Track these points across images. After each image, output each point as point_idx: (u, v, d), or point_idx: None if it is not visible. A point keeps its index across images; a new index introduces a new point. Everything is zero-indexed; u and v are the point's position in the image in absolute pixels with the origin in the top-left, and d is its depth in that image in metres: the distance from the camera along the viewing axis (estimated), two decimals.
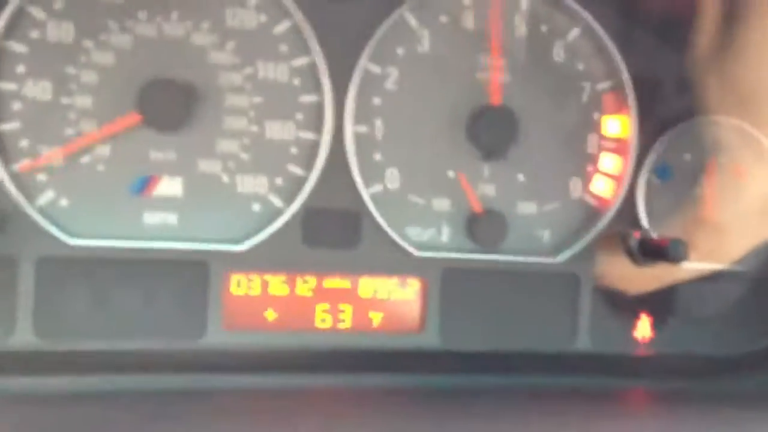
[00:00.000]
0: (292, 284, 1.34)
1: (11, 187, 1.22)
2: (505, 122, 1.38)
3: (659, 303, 1.47)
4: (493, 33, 1.38)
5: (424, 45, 1.38)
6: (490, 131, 1.38)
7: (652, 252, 1.40)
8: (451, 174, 1.40)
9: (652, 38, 1.46)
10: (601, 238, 1.45)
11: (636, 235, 1.43)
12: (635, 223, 1.46)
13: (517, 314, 1.43)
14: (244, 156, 1.32)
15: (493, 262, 1.41)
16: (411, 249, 1.37)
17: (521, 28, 1.42)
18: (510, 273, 1.42)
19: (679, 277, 1.44)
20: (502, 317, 1.42)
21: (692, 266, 1.45)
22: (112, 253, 1.26)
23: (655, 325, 1.48)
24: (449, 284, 1.39)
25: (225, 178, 1.32)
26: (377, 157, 1.37)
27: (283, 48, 1.32)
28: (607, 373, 1.43)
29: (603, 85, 1.45)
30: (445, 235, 1.41)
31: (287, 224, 1.32)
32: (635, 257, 1.44)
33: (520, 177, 1.42)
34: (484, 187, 1.41)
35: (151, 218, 1.29)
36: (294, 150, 1.33)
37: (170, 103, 1.24)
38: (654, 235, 1.43)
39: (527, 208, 1.43)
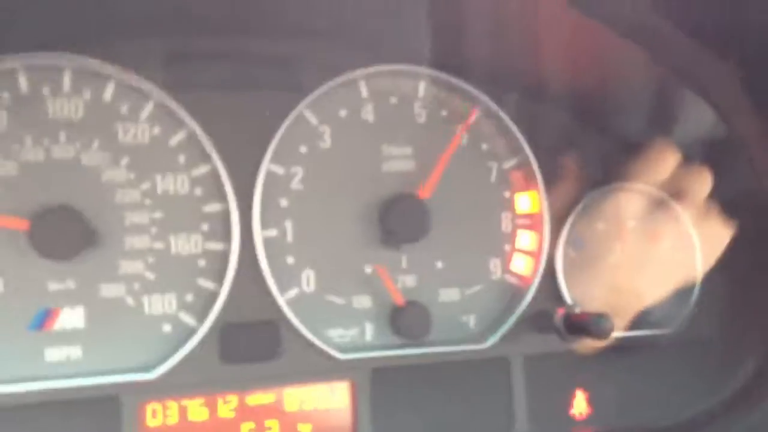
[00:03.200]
0: (212, 407, 1.31)
1: None
2: (416, 210, 1.41)
3: (592, 377, 1.50)
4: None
5: (326, 141, 1.40)
6: (403, 221, 1.40)
7: (578, 328, 1.44)
8: (368, 269, 1.41)
9: (553, 112, 1.53)
10: (527, 318, 1.48)
11: (560, 311, 1.47)
12: (558, 298, 1.50)
13: (452, 406, 1.43)
14: (150, 275, 1.30)
15: (422, 356, 1.41)
16: (335, 352, 1.37)
17: (422, 116, 1.46)
18: (440, 365, 1.43)
19: (607, 349, 1.48)
20: (438, 412, 1.42)
21: (620, 335, 1.49)
22: (12, 399, 1.21)
23: (591, 401, 1.51)
24: (379, 385, 1.39)
25: (130, 301, 1.29)
26: (290, 260, 1.37)
27: (181, 158, 1.32)
28: None
29: (509, 163, 1.51)
30: (369, 333, 1.42)
31: (202, 342, 1.30)
32: (562, 334, 1.48)
33: (439, 264, 1.45)
34: (404, 279, 1.43)
35: (54, 354, 1.25)
36: (202, 263, 1.33)
37: (63, 232, 1.22)
38: (577, 310, 1.47)
39: (449, 295, 1.46)
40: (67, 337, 1.26)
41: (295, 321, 1.35)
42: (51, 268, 1.24)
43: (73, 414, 1.24)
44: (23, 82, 1.26)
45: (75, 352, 1.26)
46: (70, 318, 1.26)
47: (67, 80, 1.27)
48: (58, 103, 1.27)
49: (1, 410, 1.21)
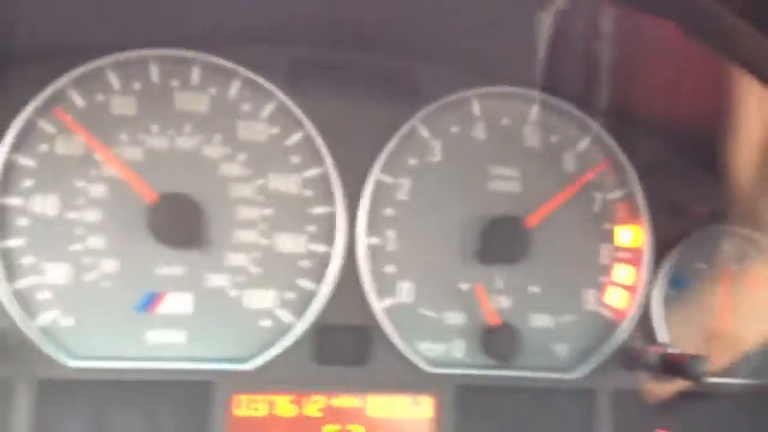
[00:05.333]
0: (299, 404, 1.36)
1: (12, 306, 1.24)
2: (517, 232, 1.44)
3: (679, 420, 1.50)
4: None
5: (436, 155, 1.45)
6: (503, 242, 1.44)
7: (671, 368, 1.44)
8: (464, 286, 1.45)
9: (664, 146, 1.54)
10: (618, 352, 1.49)
11: (654, 349, 1.48)
12: (652, 335, 1.51)
13: None
14: (254, 270, 1.36)
15: (508, 378, 1.44)
16: (423, 365, 1.41)
17: (532, 139, 1.49)
18: (525, 389, 1.45)
19: (700, 393, 1.48)
20: None
21: (713, 381, 1.49)
22: (113, 375, 1.28)
23: None
24: (463, 401, 1.42)
25: (233, 294, 1.35)
26: (390, 269, 1.41)
27: (295, 159, 1.38)
28: None
29: (614, 195, 1.52)
30: (458, 350, 1.45)
31: (296, 341, 1.36)
32: (653, 373, 1.48)
33: (534, 289, 1.48)
34: (498, 300, 1.46)
35: (156, 337, 1.32)
36: (305, 263, 1.38)
37: (180, 219, 1.29)
38: (672, 350, 1.47)
39: (541, 320, 1.48)
40: (170, 321, 1.33)
41: (389, 330, 1.39)
42: (162, 253, 1.31)
43: (167, 396, 1.30)
44: (154, 73, 1.33)
45: (176, 336, 1.33)
46: (175, 304, 1.33)
47: (195, 74, 1.35)
48: (185, 96, 1.34)
49: (101, 386, 1.28)
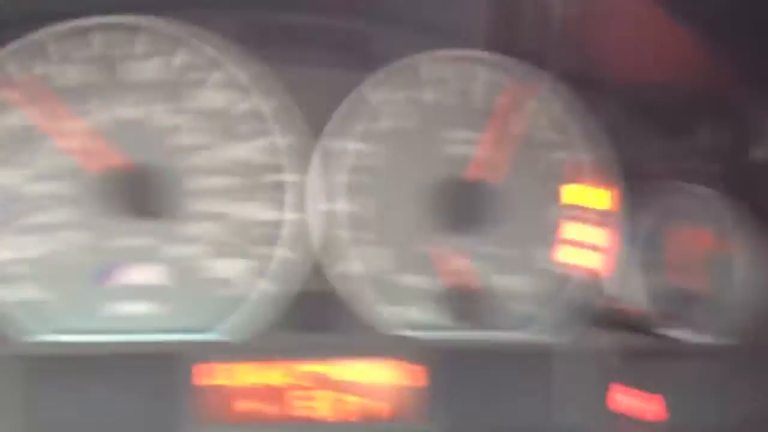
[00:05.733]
0: (265, 372, 1.36)
1: None
2: (482, 195, 1.46)
3: (640, 376, 1.51)
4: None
5: (387, 120, 1.46)
6: (460, 205, 1.45)
7: (622, 323, 1.48)
8: (423, 250, 1.45)
9: (618, 106, 1.56)
10: (574, 309, 1.50)
11: (606, 304, 1.50)
12: (608, 292, 1.52)
13: (494, 391, 1.46)
14: (213, 239, 1.37)
15: (472, 340, 1.44)
16: (386, 329, 1.41)
17: (482, 101, 1.50)
18: (489, 350, 1.45)
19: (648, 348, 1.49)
20: (482, 396, 1.44)
21: (662, 334, 1.51)
22: (81, 349, 1.28)
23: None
24: (429, 364, 1.42)
25: (194, 263, 1.36)
26: (347, 235, 1.42)
27: (246, 127, 1.39)
28: None
29: (575, 155, 1.53)
30: (422, 313, 1.45)
31: (259, 309, 1.36)
32: (605, 327, 1.49)
33: (493, 250, 1.48)
34: (461, 262, 1.47)
35: (122, 309, 1.33)
36: (263, 231, 1.39)
37: (136, 190, 1.31)
38: (626, 306, 1.50)
39: (502, 281, 1.49)
40: (133, 293, 1.33)
41: (350, 295, 1.40)
42: (125, 224, 1.32)
43: (134, 368, 1.31)
44: (98, 43, 1.34)
45: (139, 308, 1.34)
46: (139, 274, 1.34)
47: (141, 43, 1.35)
48: (132, 66, 1.35)
49: (65, 359, 1.28)
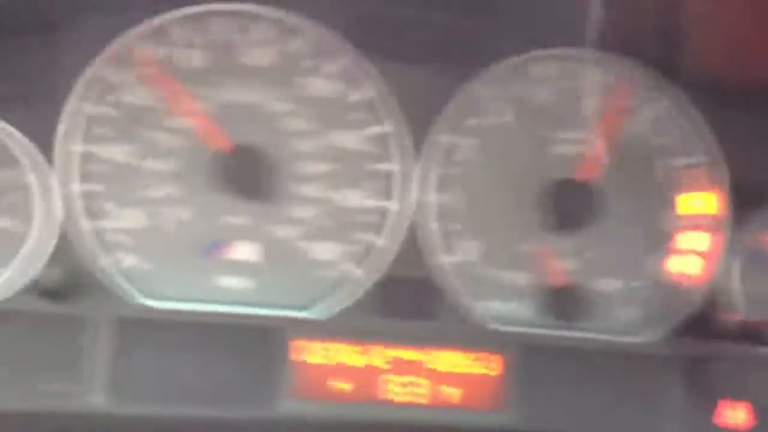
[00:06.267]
0: (365, 354, 1.39)
1: (92, 247, 1.33)
2: (585, 196, 1.45)
3: (749, 389, 1.45)
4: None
5: (497, 117, 1.47)
6: (570, 205, 1.45)
7: (748, 335, 1.42)
8: (528, 247, 1.46)
9: (742, 112, 1.51)
10: (689, 319, 1.47)
11: (730, 316, 1.45)
12: (726, 303, 1.48)
13: (599, 396, 1.43)
14: (319, 223, 1.41)
15: (573, 339, 1.43)
16: (488, 323, 1.42)
17: (596, 102, 1.50)
18: (590, 351, 1.44)
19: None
20: (583, 398, 1.43)
21: None
22: (186, 317, 1.34)
23: (754, 412, 1.46)
24: (527, 360, 1.42)
25: (299, 245, 1.40)
26: (454, 227, 1.44)
27: (359, 116, 1.43)
28: None
29: (684, 161, 1.51)
30: (523, 309, 1.45)
31: (362, 293, 1.39)
32: (727, 340, 1.45)
33: (602, 253, 1.47)
34: (564, 262, 1.46)
35: (226, 282, 1.38)
36: (367, 218, 1.42)
37: (250, 170, 1.37)
38: (750, 317, 1.45)
39: (609, 284, 1.47)
40: (240, 268, 1.39)
41: (453, 286, 1.41)
42: (231, 202, 1.38)
43: (237, 340, 1.36)
44: (220, 28, 1.41)
45: (245, 283, 1.39)
46: (244, 251, 1.39)
47: (261, 30, 1.42)
48: (251, 51, 1.41)
49: (173, 326, 1.34)
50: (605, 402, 1.43)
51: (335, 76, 1.43)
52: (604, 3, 1.37)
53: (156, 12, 1.37)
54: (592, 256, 1.47)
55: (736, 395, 1.46)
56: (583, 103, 1.50)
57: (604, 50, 1.48)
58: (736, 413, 1.46)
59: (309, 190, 1.41)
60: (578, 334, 1.44)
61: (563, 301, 1.43)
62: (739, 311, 1.47)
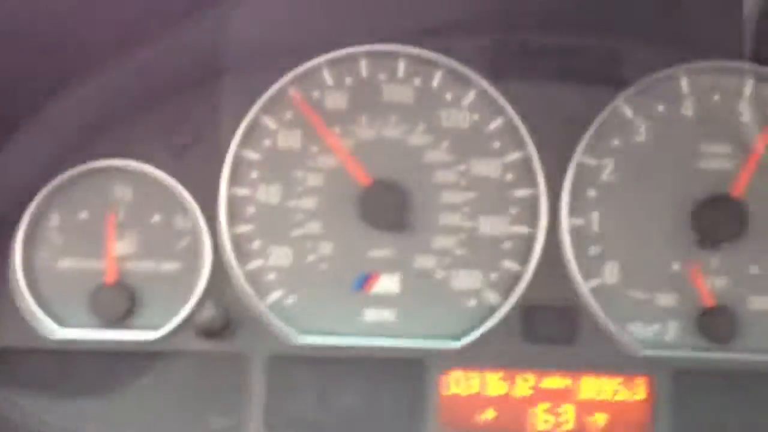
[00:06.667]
0: (510, 382, 1.40)
1: (246, 287, 1.39)
2: (732, 211, 1.40)
3: None
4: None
5: (641, 135, 1.44)
6: (719, 221, 1.41)
7: None
8: (675, 266, 1.43)
9: None
10: None
11: None
12: None
13: (756, 421, 1.40)
14: (459, 252, 1.42)
15: (728, 361, 1.40)
16: (634, 346, 1.40)
17: (746, 114, 1.45)
18: (745, 373, 1.41)
19: None
20: (739, 420, 1.40)
21: None
22: (335, 351, 1.39)
23: None
24: (678, 384, 1.40)
25: (440, 274, 1.42)
26: (594, 250, 1.43)
27: (497, 144, 1.43)
28: None
29: None
30: (671, 331, 1.43)
31: (503, 320, 1.40)
32: None
33: (753, 269, 1.43)
34: (714, 280, 1.42)
35: (371, 315, 1.42)
36: (509, 245, 1.43)
37: (390, 204, 1.39)
38: None
39: (762, 302, 1.43)
40: (384, 300, 1.42)
41: (595, 310, 1.40)
42: (374, 236, 1.41)
43: (384, 372, 1.40)
44: (364, 68, 1.44)
45: (389, 315, 1.42)
46: (388, 283, 1.42)
47: (401, 67, 1.44)
48: (392, 88, 1.44)
49: (323, 361, 1.40)
50: (761, 427, 1.39)
51: (472, 106, 1.44)
52: (747, 14, 1.31)
53: (304, 58, 1.41)
54: (743, 273, 1.43)
55: None
56: (731, 115, 1.45)
57: (752, 61, 1.41)
58: None
59: (450, 219, 1.43)
60: (730, 356, 1.41)
61: (714, 322, 1.40)
62: None
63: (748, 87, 1.45)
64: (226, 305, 1.36)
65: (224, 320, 1.34)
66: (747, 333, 1.40)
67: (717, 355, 1.40)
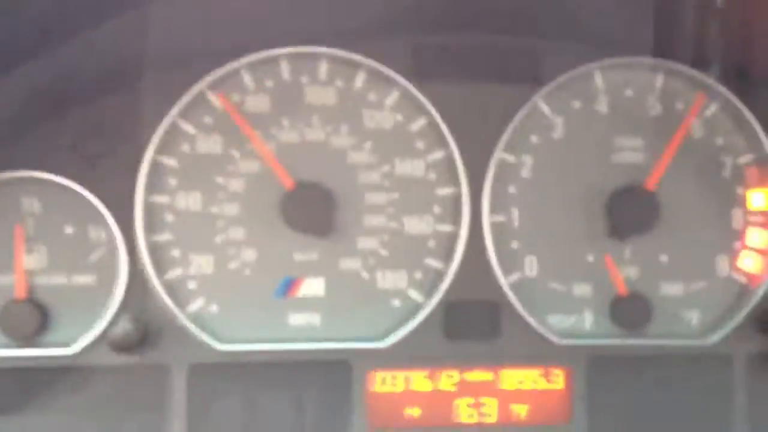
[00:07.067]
0: (434, 379, 1.42)
1: (164, 297, 1.35)
2: (644, 202, 1.45)
3: None
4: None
5: (558, 131, 1.46)
6: (632, 212, 1.45)
7: None
8: (591, 258, 1.46)
9: None
10: (754, 316, 1.48)
11: None
12: None
13: (669, 400, 1.47)
14: (384, 252, 1.42)
15: (641, 347, 1.46)
16: (553, 337, 1.44)
17: (656, 108, 1.48)
18: (659, 357, 1.46)
19: None
20: (653, 404, 1.46)
21: None
22: (259, 357, 1.37)
23: None
24: (595, 372, 1.45)
25: (365, 276, 1.42)
26: (515, 245, 1.45)
27: (419, 144, 1.43)
28: None
29: (745, 159, 1.50)
30: (588, 321, 1.47)
31: (428, 318, 1.41)
32: None
33: (664, 257, 1.48)
34: (627, 269, 1.47)
35: (295, 319, 1.41)
36: (432, 243, 1.43)
37: (314, 207, 1.37)
38: None
39: (672, 289, 1.48)
40: (308, 304, 1.41)
41: (517, 304, 1.43)
42: (297, 240, 1.39)
43: (310, 376, 1.39)
44: (285, 70, 1.41)
45: (314, 318, 1.41)
46: (312, 287, 1.41)
47: (323, 69, 1.41)
48: (314, 90, 1.41)
49: (247, 368, 1.38)
50: (672, 406, 1.47)
51: (395, 106, 1.42)
52: (657, 10, 1.33)
53: (223, 61, 1.37)
54: (656, 261, 1.48)
55: None
56: (643, 110, 1.48)
57: (662, 57, 1.46)
58: None
59: (375, 220, 1.42)
60: (644, 342, 1.46)
61: (627, 310, 1.45)
62: None
63: (659, 82, 1.48)
64: (143, 318, 1.33)
65: (140, 334, 1.31)
66: (659, 319, 1.45)
67: (631, 341, 1.46)
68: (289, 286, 1.40)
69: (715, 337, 1.46)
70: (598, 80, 1.47)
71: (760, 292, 1.48)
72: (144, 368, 1.35)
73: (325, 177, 1.40)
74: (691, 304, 1.49)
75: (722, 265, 1.49)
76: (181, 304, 1.37)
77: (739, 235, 1.50)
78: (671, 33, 1.41)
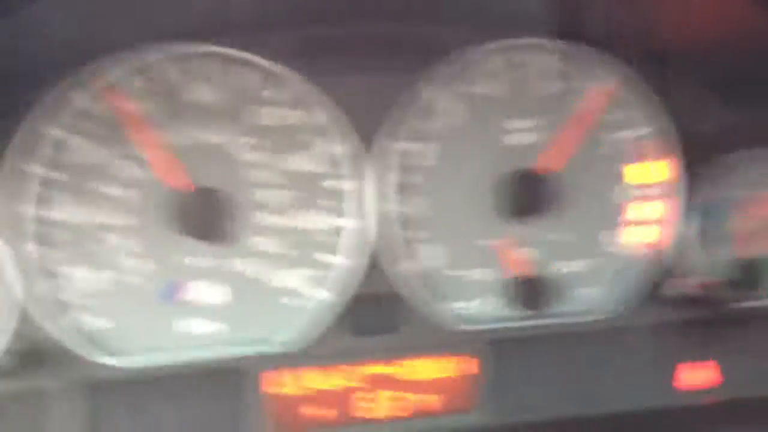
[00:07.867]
0: (337, 377, 1.40)
1: (39, 312, 1.27)
2: (535, 184, 1.44)
3: (718, 349, 1.53)
4: None
5: (453, 116, 1.43)
6: (525, 195, 1.44)
7: (697, 298, 1.47)
8: (489, 242, 1.45)
9: (679, 80, 1.51)
10: (644, 289, 1.50)
11: (679, 281, 1.50)
12: (677, 268, 1.51)
13: (570, 377, 1.49)
14: (280, 251, 1.37)
15: (542, 327, 1.46)
16: (456, 324, 1.43)
17: (547, 89, 1.47)
18: (558, 336, 1.48)
19: (737, 318, 1.51)
20: (556, 383, 1.48)
21: (740, 306, 1.51)
22: (154, 370, 1.31)
23: (723, 371, 1.54)
24: (499, 356, 1.45)
25: (261, 276, 1.37)
26: (412, 235, 1.42)
27: (313, 139, 1.38)
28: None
29: (637, 132, 1.50)
30: (490, 305, 1.47)
31: (326, 315, 1.38)
32: (681, 304, 1.50)
33: (560, 236, 1.48)
34: (524, 252, 1.47)
35: (193, 326, 1.35)
36: (329, 239, 1.39)
37: (207, 211, 1.32)
38: (698, 280, 1.49)
39: (568, 267, 1.49)
40: (200, 310, 1.35)
41: (418, 294, 1.41)
42: (189, 245, 1.33)
43: (204, 382, 1.35)
44: (172, 70, 1.33)
45: (207, 324, 1.36)
46: (203, 291, 1.35)
47: (212, 67, 1.34)
48: (204, 90, 1.34)
49: (145, 381, 1.33)
50: (576, 382, 1.49)
51: (282, 102, 1.37)
52: None
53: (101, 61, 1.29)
54: (553, 241, 1.48)
55: (700, 356, 1.54)
56: (539, 92, 1.47)
57: (550, 36, 1.45)
58: (696, 375, 1.52)
59: (268, 219, 1.37)
60: (545, 321, 1.47)
61: (528, 291, 1.45)
62: (699, 274, 1.51)
63: (555, 63, 1.47)
64: (31, 338, 1.25)
65: (16, 360, 1.24)
66: (558, 298, 1.46)
67: (533, 322, 1.46)
68: (174, 289, 1.33)
69: (612, 312, 1.48)
70: (495, 62, 1.44)
71: (653, 264, 1.50)
72: (28, 393, 1.28)
73: (217, 177, 1.34)
74: (587, 281, 1.50)
75: (618, 239, 1.51)
76: (61, 318, 1.29)
77: (629, 208, 1.51)
78: (551, 11, 1.41)
